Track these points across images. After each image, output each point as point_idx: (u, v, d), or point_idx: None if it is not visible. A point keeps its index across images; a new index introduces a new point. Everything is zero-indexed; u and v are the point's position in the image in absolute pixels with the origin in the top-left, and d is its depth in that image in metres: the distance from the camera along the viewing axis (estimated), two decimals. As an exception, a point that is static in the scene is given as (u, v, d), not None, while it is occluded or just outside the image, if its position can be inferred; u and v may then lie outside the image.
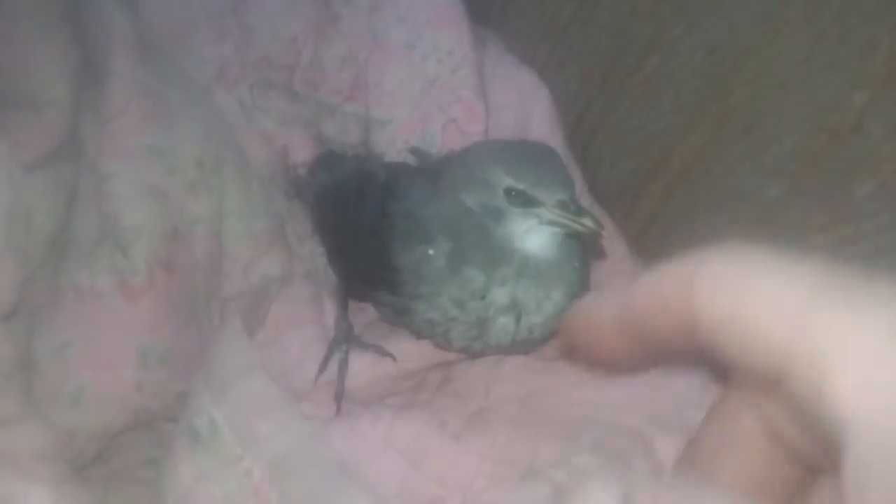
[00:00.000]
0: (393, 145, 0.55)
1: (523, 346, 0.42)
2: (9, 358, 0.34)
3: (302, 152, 0.55)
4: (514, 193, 0.38)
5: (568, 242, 0.39)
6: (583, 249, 0.40)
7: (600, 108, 0.56)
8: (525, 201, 0.38)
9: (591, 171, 0.55)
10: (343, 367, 0.44)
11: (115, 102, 0.44)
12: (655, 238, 0.51)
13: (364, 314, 0.48)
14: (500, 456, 0.42)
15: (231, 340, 0.39)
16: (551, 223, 0.38)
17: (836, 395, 0.19)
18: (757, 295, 0.22)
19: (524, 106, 0.58)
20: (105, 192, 0.41)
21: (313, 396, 0.44)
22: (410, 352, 0.45)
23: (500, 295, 0.39)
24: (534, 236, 0.39)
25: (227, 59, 0.55)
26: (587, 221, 0.36)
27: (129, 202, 0.41)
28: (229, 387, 0.37)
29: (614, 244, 0.51)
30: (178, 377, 0.40)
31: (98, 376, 0.38)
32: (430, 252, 0.39)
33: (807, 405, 0.20)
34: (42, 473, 0.33)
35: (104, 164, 0.42)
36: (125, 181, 0.42)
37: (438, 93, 0.55)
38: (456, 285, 0.39)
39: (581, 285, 0.41)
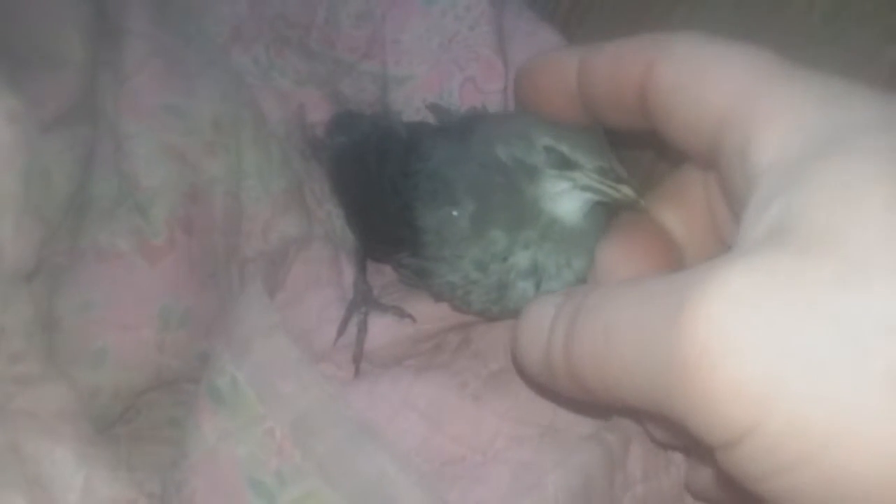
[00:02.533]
0: (411, 104, 0.54)
1: None
2: (31, 318, 0.35)
3: (318, 112, 0.55)
4: (552, 153, 0.37)
5: (596, 212, 0.39)
6: (608, 221, 0.40)
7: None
8: (562, 163, 0.37)
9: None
10: (362, 329, 0.44)
11: (133, 61, 0.43)
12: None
13: (382, 276, 0.48)
14: (520, 416, 0.42)
15: (252, 301, 0.39)
16: (586, 188, 0.37)
17: (760, 148, 0.23)
18: (707, 67, 0.26)
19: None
20: (124, 152, 0.41)
21: (332, 357, 0.44)
22: (429, 313, 0.44)
23: (522, 258, 0.38)
24: (564, 200, 0.38)
25: (243, 17, 0.54)
26: (626, 189, 0.36)
27: (148, 162, 0.41)
28: (251, 347, 0.37)
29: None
30: (199, 337, 0.40)
31: (120, 337, 0.38)
32: (455, 213, 0.39)
33: (733, 169, 0.25)
34: (66, 432, 0.33)
35: (123, 123, 0.42)
36: (144, 141, 0.41)
37: (457, 49, 0.54)
38: (479, 247, 0.38)
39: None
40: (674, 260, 0.34)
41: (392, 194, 0.42)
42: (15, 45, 0.38)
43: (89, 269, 0.38)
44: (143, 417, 0.40)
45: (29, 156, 0.33)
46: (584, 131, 0.37)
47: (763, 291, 0.21)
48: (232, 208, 0.44)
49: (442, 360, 0.45)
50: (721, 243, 0.34)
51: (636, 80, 0.29)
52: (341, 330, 0.44)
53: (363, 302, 0.45)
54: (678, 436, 0.34)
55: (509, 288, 0.39)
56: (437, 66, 0.54)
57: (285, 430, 0.36)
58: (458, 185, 0.39)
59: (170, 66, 0.44)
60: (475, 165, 0.39)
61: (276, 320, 0.38)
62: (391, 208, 0.42)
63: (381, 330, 0.44)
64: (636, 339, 0.23)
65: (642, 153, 0.46)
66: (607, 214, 0.40)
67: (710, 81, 0.27)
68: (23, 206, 0.33)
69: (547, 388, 0.32)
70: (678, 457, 0.42)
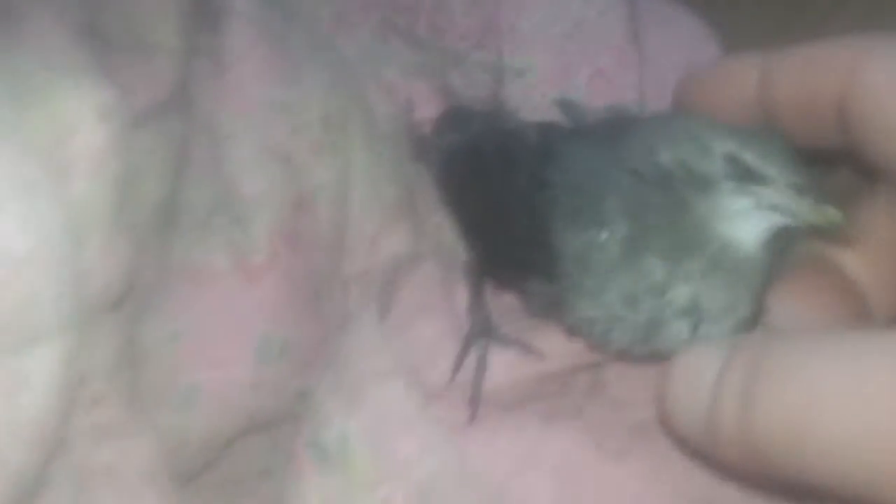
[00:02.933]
0: (529, 100, 0.48)
1: None
2: (116, 352, 0.29)
3: (427, 107, 0.49)
4: (734, 162, 0.30)
5: (778, 240, 0.32)
6: (790, 252, 0.33)
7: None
8: (746, 175, 0.30)
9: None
10: (482, 365, 0.38)
11: (235, 47, 0.38)
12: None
13: (500, 299, 0.42)
14: (669, 482, 0.35)
15: (365, 335, 0.34)
16: (775, 208, 0.30)
17: None
18: None
19: (685, 56, 0.49)
20: (222, 154, 0.36)
21: (445, 397, 0.38)
22: (557, 348, 0.38)
23: (682, 294, 0.31)
24: (743, 222, 0.31)
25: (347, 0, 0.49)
26: (832, 213, 0.28)
27: (251, 166, 0.36)
28: (364, 395, 0.32)
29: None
30: (298, 372, 0.35)
31: (212, 374, 0.33)
32: (603, 237, 0.32)
33: None
34: (148, 495, 0.28)
35: (222, 120, 0.36)
36: (246, 141, 0.36)
37: (584, 38, 0.48)
38: (629, 277, 0.32)
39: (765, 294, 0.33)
40: (860, 310, 0.30)
41: (522, 210, 0.35)
42: (105, 27, 0.33)
43: (180, 291, 0.33)
44: (230, 466, 0.34)
45: (122, 160, 0.28)
46: (772, 137, 0.30)
47: None
48: (339, 218, 0.38)
49: (571, 406, 0.39)
50: None
51: (834, 89, 0.26)
52: (458, 366, 0.38)
53: (482, 333, 0.39)
54: None
55: (662, 326, 0.33)
56: (561, 56, 0.48)
57: (406, 500, 0.30)
58: (608, 202, 0.33)
59: (278, 54, 0.39)
60: (628, 175, 0.33)
61: (395, 361, 0.32)
62: (520, 226, 0.35)
63: (503, 367, 0.38)
64: (854, 412, 0.20)
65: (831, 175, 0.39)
66: (786, 247, 0.33)
67: None
68: (113, 222, 0.28)
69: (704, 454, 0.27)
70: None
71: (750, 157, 0.30)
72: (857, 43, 0.26)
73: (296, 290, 0.35)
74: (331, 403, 0.32)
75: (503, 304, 0.42)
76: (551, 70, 0.49)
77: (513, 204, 0.36)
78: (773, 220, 0.30)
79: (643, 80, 0.47)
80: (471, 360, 0.38)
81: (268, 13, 0.39)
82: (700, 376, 0.26)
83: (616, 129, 0.35)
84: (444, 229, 0.45)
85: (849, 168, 0.36)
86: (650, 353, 0.35)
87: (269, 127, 0.36)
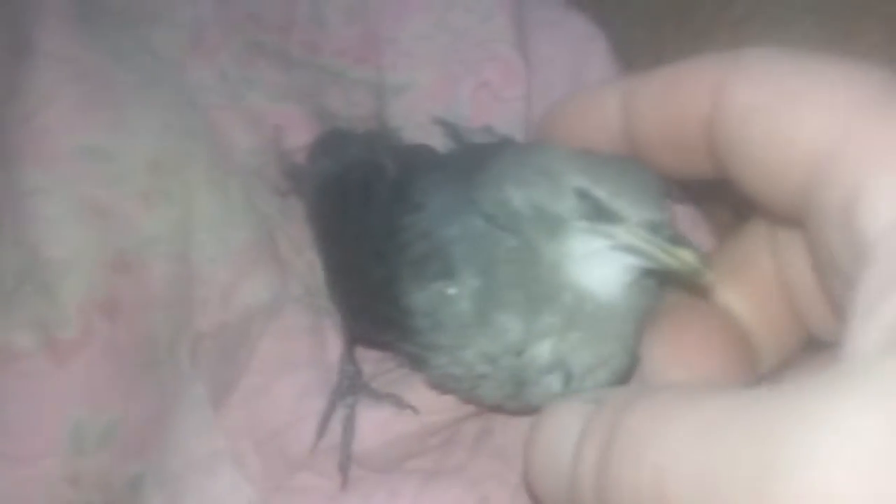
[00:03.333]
0: (412, 117, 0.44)
1: None
2: None
3: (300, 133, 0.44)
4: (585, 199, 0.27)
5: (642, 283, 0.28)
6: (657, 294, 0.29)
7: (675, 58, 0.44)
8: (598, 213, 0.26)
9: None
10: (349, 427, 0.34)
11: (40, 89, 0.34)
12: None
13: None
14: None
15: (190, 416, 0.29)
16: (630, 249, 0.26)
17: (873, 207, 0.18)
18: (795, 90, 0.21)
19: (574, 60, 0.46)
20: (24, 214, 0.31)
21: (313, 464, 0.34)
22: (437, 401, 0.34)
23: (543, 351, 0.28)
24: (597, 266, 0.27)
25: (205, 21, 0.44)
26: (686, 255, 0.25)
27: (57, 225, 0.31)
28: (187, 488, 0.27)
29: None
30: (130, 457, 0.31)
31: (14, 472, 0.28)
32: (451, 292, 0.28)
33: (830, 232, 0.19)
34: None
35: (25, 174, 0.32)
36: (53, 197, 0.32)
37: (467, 48, 0.44)
38: (486, 337, 0.28)
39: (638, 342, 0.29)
40: (743, 354, 0.27)
41: (374, 257, 0.31)
42: None
43: (-28, 379, 0.29)
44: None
45: None
46: (632, 169, 0.27)
47: None
48: (177, 273, 0.34)
49: (456, 462, 0.35)
50: (800, 329, 0.27)
51: (699, 112, 0.24)
52: (322, 430, 0.34)
53: (350, 390, 0.35)
54: None
55: (528, 384, 0.29)
56: (443, 69, 0.44)
57: None
58: (457, 251, 0.29)
59: (92, 94, 0.34)
60: (480, 219, 0.29)
61: (221, 444, 0.28)
62: (374, 276, 0.31)
63: (375, 426, 0.34)
64: (698, 497, 0.17)
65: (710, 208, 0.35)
66: (657, 288, 0.29)
67: (800, 110, 0.21)
68: None
69: None
70: None
71: (602, 194, 0.26)
72: (723, 61, 0.23)
73: (120, 363, 0.31)
74: (156, 498, 0.28)
75: (378, 354, 0.38)
76: (434, 85, 0.45)
77: (366, 249, 0.32)
78: (627, 263, 0.27)
79: (531, 91, 0.44)
80: (337, 422, 0.34)
81: (85, 52, 0.35)
82: (560, 442, 0.22)
83: (475, 160, 0.31)
84: (316, 268, 0.40)
85: (730, 200, 0.33)
86: (524, 407, 0.31)
87: (82, 178, 0.32)
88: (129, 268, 0.32)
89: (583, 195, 0.26)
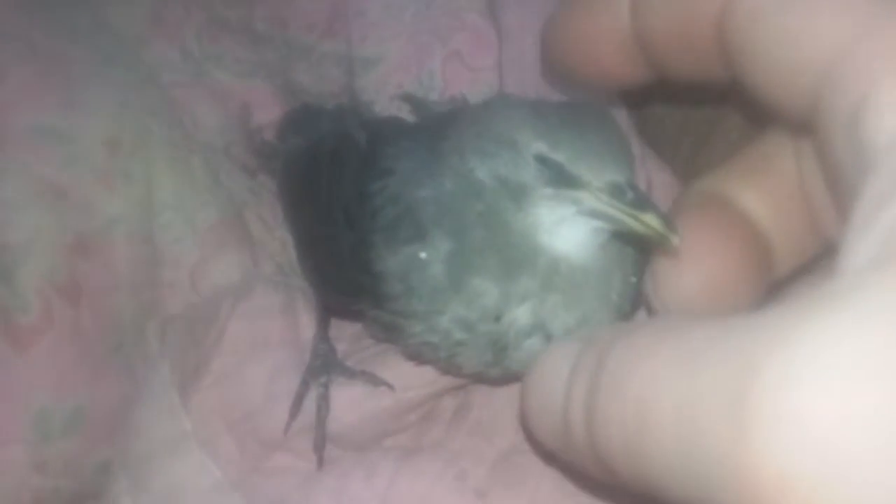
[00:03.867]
0: (384, 90, 0.43)
1: None
2: None
3: (268, 110, 0.43)
4: (546, 164, 0.26)
5: (617, 243, 0.27)
6: (639, 253, 0.28)
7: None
8: (561, 179, 0.26)
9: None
10: (323, 406, 0.33)
11: (-9, 70, 0.32)
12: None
13: (349, 324, 0.37)
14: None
15: (156, 399, 0.29)
16: (594, 214, 0.26)
17: (880, 117, 0.17)
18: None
19: (548, 28, 0.45)
20: (-22, 198, 0.30)
21: (289, 444, 0.33)
22: (413, 376, 0.33)
23: (522, 315, 0.27)
24: (567, 231, 0.27)
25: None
26: (650, 219, 0.24)
27: (13, 209, 0.30)
28: (152, 471, 0.27)
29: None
30: (99, 442, 0.30)
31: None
32: (423, 255, 0.28)
33: (837, 139, 0.19)
34: None
35: (-23, 157, 0.31)
36: (7, 180, 0.31)
37: (436, 18, 0.43)
38: (461, 302, 0.27)
39: (632, 303, 0.29)
40: (759, 257, 0.25)
41: (345, 225, 0.31)
42: None
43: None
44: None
45: None
46: (593, 126, 0.26)
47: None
48: (142, 256, 0.33)
49: (434, 438, 0.34)
50: (818, 237, 0.26)
51: (711, 8, 0.23)
52: (294, 410, 0.33)
53: (323, 369, 0.34)
54: None
55: (510, 349, 0.28)
56: (413, 40, 0.43)
57: None
58: (427, 214, 0.28)
59: (44, 73, 0.33)
60: (449, 183, 0.28)
61: (187, 427, 0.28)
62: (344, 243, 0.31)
63: (350, 404, 0.34)
64: (678, 427, 0.16)
65: (721, 115, 0.34)
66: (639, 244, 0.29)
67: (813, 10, 0.20)
68: None
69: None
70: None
71: (562, 157, 0.25)
72: None
73: (84, 348, 0.30)
74: (119, 481, 0.27)
75: (355, 328, 0.38)
76: (404, 56, 0.44)
77: (337, 217, 0.32)
78: (594, 226, 0.26)
79: (503, 60, 0.43)
80: (311, 401, 0.33)
81: (37, 30, 0.33)
82: (552, 383, 0.22)
83: (445, 124, 0.31)
84: (288, 246, 0.40)
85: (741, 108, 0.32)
86: (505, 374, 0.30)
87: (38, 160, 0.31)
88: (90, 250, 0.31)
89: (543, 161, 0.26)
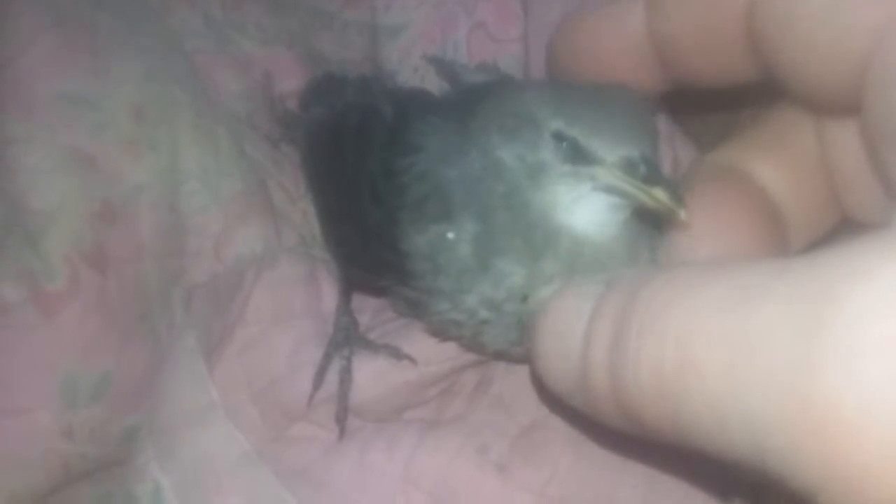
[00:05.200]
0: (407, 60, 0.43)
1: None
2: None
3: (291, 79, 0.43)
4: (563, 143, 0.26)
5: (638, 222, 0.27)
6: (655, 228, 0.28)
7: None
8: (577, 156, 0.26)
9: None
10: (345, 378, 0.33)
11: (16, 36, 0.32)
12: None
13: (372, 297, 0.37)
14: (561, 494, 0.31)
15: (182, 368, 0.29)
16: (609, 190, 0.25)
17: None
18: None
19: (574, 2, 0.44)
20: (7, 164, 0.30)
21: (311, 415, 0.34)
22: (435, 351, 0.34)
23: (548, 296, 0.27)
24: (585, 209, 0.26)
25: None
26: (659, 193, 0.24)
27: (40, 175, 0.30)
28: (179, 440, 0.27)
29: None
30: (125, 410, 0.30)
31: (6, 425, 0.28)
32: (450, 236, 0.28)
33: (891, 115, 0.18)
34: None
35: (5, 123, 0.31)
36: (34, 147, 0.31)
37: (461, -12, 0.42)
38: (487, 283, 0.27)
39: None
40: (774, 231, 0.25)
41: (371, 201, 0.30)
42: None
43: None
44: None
45: None
46: (612, 101, 0.26)
47: None
48: (167, 224, 0.33)
49: (455, 411, 0.34)
50: (835, 210, 0.25)
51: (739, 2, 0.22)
52: (318, 381, 0.33)
53: (346, 341, 0.34)
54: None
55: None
56: (438, 10, 0.43)
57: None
58: (456, 193, 0.28)
59: (71, 39, 0.33)
60: (476, 163, 0.28)
61: (214, 396, 0.28)
62: (371, 220, 0.30)
63: (372, 377, 0.34)
64: (730, 366, 0.15)
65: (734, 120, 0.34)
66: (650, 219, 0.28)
67: None
68: None
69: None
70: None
71: (578, 133, 0.25)
72: None
73: (111, 315, 0.30)
74: (145, 450, 0.27)
75: (378, 301, 0.38)
76: (429, 26, 0.43)
77: (363, 192, 0.31)
78: (611, 202, 0.26)
79: (528, 32, 0.42)
80: (333, 373, 0.34)
81: (64, -5, 0.33)
82: (569, 325, 0.21)
83: (471, 103, 0.30)
84: (310, 217, 0.40)
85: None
86: (528, 353, 0.30)
87: (65, 126, 0.31)
88: (116, 218, 0.31)
89: (560, 137, 0.26)
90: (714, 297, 0.16)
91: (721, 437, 0.16)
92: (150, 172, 0.33)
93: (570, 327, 0.21)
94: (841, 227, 0.26)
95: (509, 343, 0.30)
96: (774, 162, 0.25)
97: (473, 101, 0.30)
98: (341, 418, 0.33)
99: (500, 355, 0.32)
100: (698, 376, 0.16)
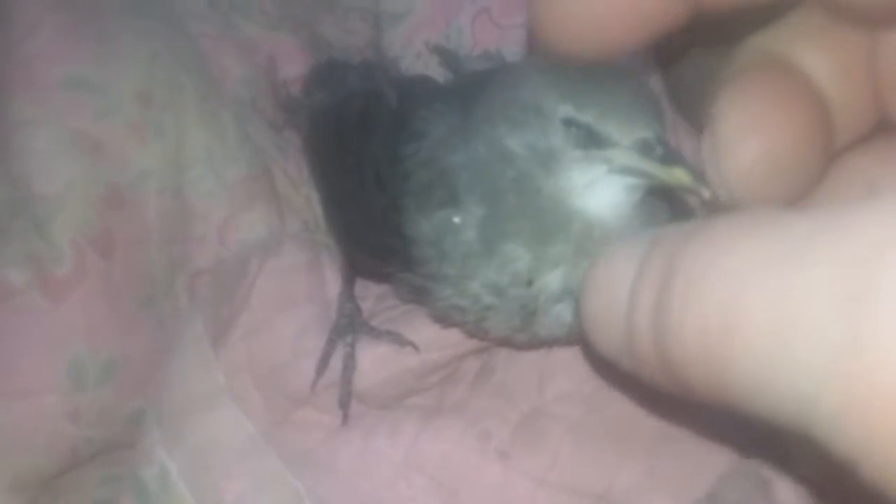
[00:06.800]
0: (410, 46, 0.43)
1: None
2: None
3: (294, 64, 0.43)
4: (574, 128, 0.26)
5: (650, 201, 0.27)
6: (670, 211, 0.28)
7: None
8: (590, 140, 0.26)
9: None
10: (349, 364, 0.33)
11: (22, 19, 0.32)
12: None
13: (375, 284, 0.37)
14: (563, 480, 0.32)
15: (189, 353, 0.29)
16: (626, 171, 0.25)
17: None
18: None
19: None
20: (14, 148, 0.30)
21: (314, 400, 0.34)
22: (437, 337, 0.34)
23: (553, 280, 0.27)
24: (600, 192, 0.26)
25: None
26: (680, 172, 0.24)
27: (47, 159, 0.30)
28: (186, 424, 0.27)
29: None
30: (132, 392, 0.30)
31: (14, 408, 0.28)
32: (456, 220, 0.28)
33: None
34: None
35: (13, 107, 0.31)
36: (42, 130, 0.31)
37: (466, -27, 0.42)
38: (492, 267, 0.28)
39: None
40: (822, 125, 0.23)
41: (375, 187, 0.31)
42: None
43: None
44: (63, 502, 0.30)
45: None
46: (619, 83, 0.26)
47: None
48: (172, 208, 0.33)
49: (456, 398, 0.35)
50: (878, 110, 0.24)
51: None
52: (322, 367, 0.33)
53: (349, 328, 0.34)
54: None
55: (539, 314, 0.29)
56: (441, -4, 0.43)
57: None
58: (461, 179, 0.28)
59: (77, 23, 0.33)
60: (482, 148, 0.28)
61: (221, 381, 0.28)
62: (375, 206, 0.31)
63: (375, 363, 0.34)
64: (774, 329, 0.15)
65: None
66: (666, 200, 0.29)
67: None
68: None
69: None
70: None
71: (589, 118, 0.25)
72: None
73: (116, 299, 0.30)
74: (152, 434, 0.28)
75: (379, 288, 0.38)
76: (431, 12, 0.43)
77: (367, 179, 0.32)
78: (627, 184, 0.26)
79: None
80: (337, 359, 0.34)
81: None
82: (613, 288, 0.20)
83: (474, 90, 0.30)
84: (313, 203, 0.40)
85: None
86: (532, 339, 0.31)
87: (71, 110, 0.31)
88: (123, 203, 0.31)
89: (570, 123, 0.26)
90: (754, 257, 0.15)
91: (765, 402, 0.15)
92: (156, 157, 0.33)
93: (615, 292, 0.20)
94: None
95: (512, 329, 0.30)
96: (823, 51, 0.23)
97: (477, 88, 0.30)
98: (345, 404, 0.33)
99: (504, 342, 0.32)
100: (742, 343, 0.15)
